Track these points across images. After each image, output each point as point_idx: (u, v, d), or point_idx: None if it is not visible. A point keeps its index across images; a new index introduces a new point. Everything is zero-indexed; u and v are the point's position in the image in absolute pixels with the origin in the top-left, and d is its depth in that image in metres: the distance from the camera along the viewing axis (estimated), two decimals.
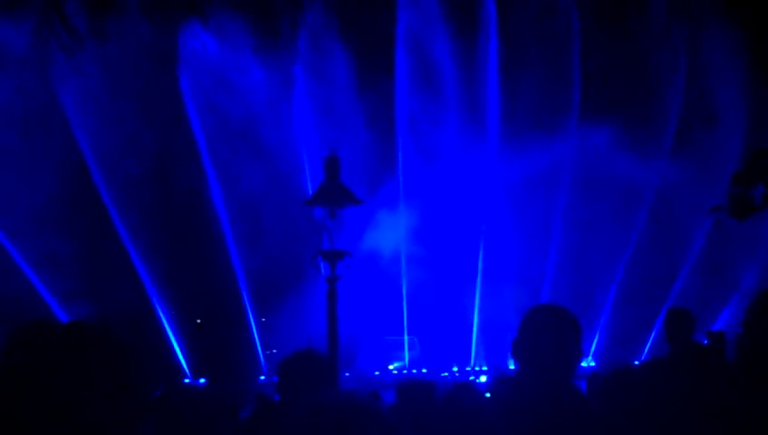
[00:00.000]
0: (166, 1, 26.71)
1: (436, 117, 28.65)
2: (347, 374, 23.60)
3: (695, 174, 26.71)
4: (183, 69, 27.21)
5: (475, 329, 28.36)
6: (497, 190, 28.31)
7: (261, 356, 27.32)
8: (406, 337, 27.74)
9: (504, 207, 27.90)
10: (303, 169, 27.57)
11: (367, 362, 26.46)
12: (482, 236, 28.48)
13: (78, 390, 2.77)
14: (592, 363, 26.04)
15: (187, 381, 25.42)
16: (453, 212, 27.58)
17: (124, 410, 2.85)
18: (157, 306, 26.60)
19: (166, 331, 26.71)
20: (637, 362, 23.48)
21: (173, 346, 26.74)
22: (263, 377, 26.45)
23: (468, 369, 27.37)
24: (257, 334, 27.48)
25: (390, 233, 26.82)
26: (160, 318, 26.64)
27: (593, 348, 27.20)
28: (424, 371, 26.26)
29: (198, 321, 28.20)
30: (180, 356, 26.72)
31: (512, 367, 4.05)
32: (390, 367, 27.28)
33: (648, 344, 26.89)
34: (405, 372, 26.79)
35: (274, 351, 26.77)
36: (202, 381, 24.73)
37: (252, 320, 27.51)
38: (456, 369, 26.94)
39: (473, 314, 28.57)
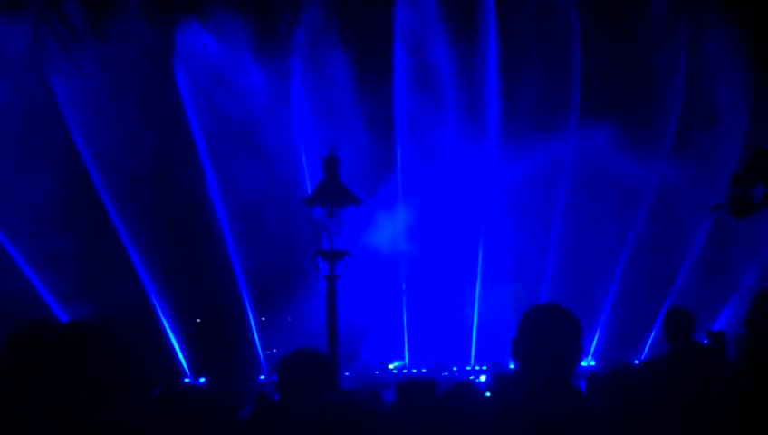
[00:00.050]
0: (165, 0, 26.72)
1: (436, 117, 28.64)
2: (347, 374, 23.60)
3: (695, 173, 26.71)
4: (182, 68, 27.21)
5: (474, 328, 28.36)
6: (497, 190, 28.31)
7: (261, 355, 27.32)
8: (406, 337, 27.75)
9: (503, 207, 27.90)
10: (303, 168, 27.58)
11: (367, 361, 26.47)
12: (481, 236, 28.48)
13: (78, 389, 2.77)
14: (592, 363, 26.06)
15: (186, 380, 25.43)
16: (452, 211, 27.57)
17: (124, 410, 2.85)
18: (156, 306, 26.61)
19: (165, 330, 26.71)
20: (637, 362, 23.49)
21: (173, 346, 26.74)
22: (262, 376, 26.46)
23: (468, 368, 27.37)
24: (257, 334, 27.48)
25: (390, 232, 26.82)
26: (160, 317, 26.64)
27: (593, 347, 27.20)
28: (424, 370, 26.27)
29: (198, 320, 28.20)
30: (180, 355, 26.73)
31: (511, 366, 4.05)
32: (391, 366, 27.29)
33: (648, 344, 26.89)
34: (405, 371, 26.80)
35: (274, 350, 26.78)
36: (202, 380, 24.74)
37: (252, 319, 27.52)
38: (455, 368, 26.94)
39: (472, 313, 28.57)
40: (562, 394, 3.95)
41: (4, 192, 24.17)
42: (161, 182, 25.64)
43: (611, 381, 5.54)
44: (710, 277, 26.78)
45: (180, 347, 26.81)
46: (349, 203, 11.89)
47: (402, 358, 27.65)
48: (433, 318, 26.99)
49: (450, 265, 27.52)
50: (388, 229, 26.64)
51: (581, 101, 28.64)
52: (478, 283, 28.61)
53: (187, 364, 26.64)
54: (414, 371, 26.60)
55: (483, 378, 24.35)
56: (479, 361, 27.81)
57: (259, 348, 27.41)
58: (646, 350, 26.96)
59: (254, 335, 27.46)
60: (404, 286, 27.99)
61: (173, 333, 26.81)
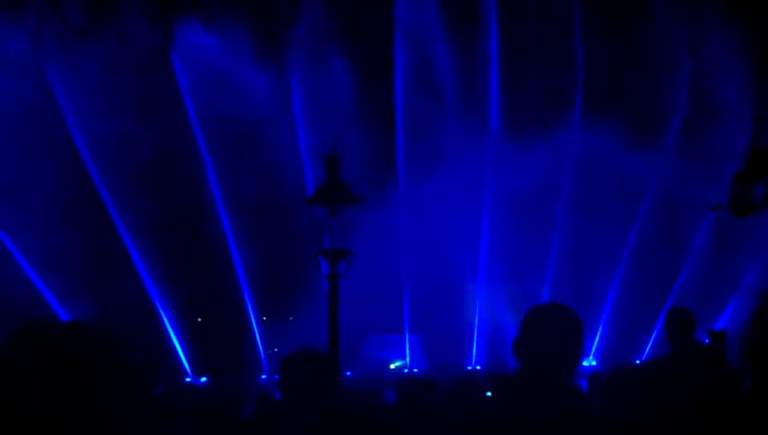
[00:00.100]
0: (165, 0, 26.73)
1: (437, 115, 28.62)
2: (348, 373, 23.61)
3: (697, 173, 26.69)
4: (183, 68, 27.22)
5: (475, 328, 28.36)
6: (498, 189, 28.29)
7: (262, 355, 27.33)
8: (407, 336, 27.75)
9: (504, 206, 27.88)
10: (304, 167, 27.58)
11: (368, 360, 26.46)
12: (483, 235, 28.47)
13: (78, 389, 2.77)
14: (593, 362, 26.04)
15: (188, 379, 25.43)
16: (453, 210, 27.56)
17: (124, 409, 2.85)
18: (158, 305, 26.61)
19: (167, 329, 26.72)
20: (638, 362, 23.49)
21: (174, 345, 26.75)
22: (264, 376, 26.46)
23: (469, 368, 27.37)
24: (258, 333, 27.49)
25: (391, 232, 26.82)
26: (161, 317, 26.65)
27: (594, 347, 27.20)
28: (423, 369, 26.26)
29: (199, 319, 28.21)
30: (181, 355, 26.73)
31: (513, 366, 4.06)
32: (392, 366, 27.28)
33: (650, 344, 26.88)
34: (406, 371, 26.79)
35: (276, 350, 26.78)
36: (203, 379, 24.75)
37: (253, 319, 27.52)
38: (456, 368, 26.92)
39: (474, 312, 28.57)
40: (563, 394, 3.95)
41: (5, 191, 24.18)
42: (162, 181, 25.65)
43: (612, 380, 5.54)
44: (711, 277, 26.76)
45: (181, 346, 26.82)
46: (350, 202, 11.90)
47: (403, 357, 27.64)
48: (434, 318, 26.98)
49: (451, 265, 27.51)
50: (390, 228, 26.64)
51: (584, 100, 28.64)
52: (479, 281, 28.61)
53: (189, 364, 26.65)
54: (415, 370, 26.60)
55: (483, 378, 24.31)
56: (480, 360, 27.81)
57: (260, 347, 27.42)
58: (647, 350, 26.96)
59: (255, 335, 27.47)
60: (405, 286, 27.99)
61: (174, 332, 26.82)
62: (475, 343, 28.21)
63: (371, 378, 23.16)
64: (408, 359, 27.56)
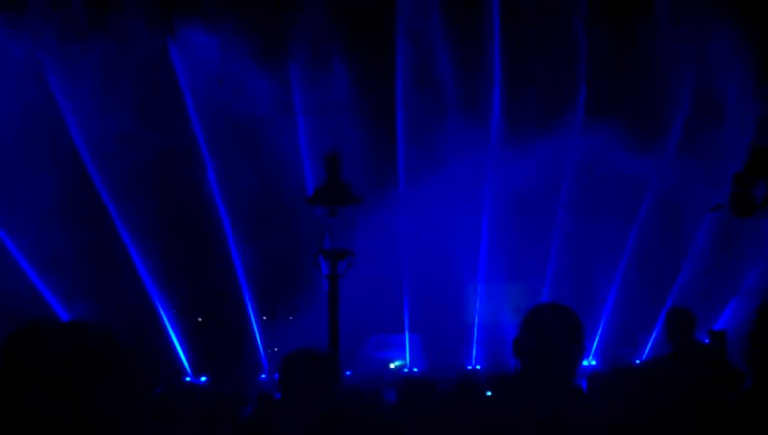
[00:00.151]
0: (166, 0, 26.74)
1: (438, 115, 28.62)
2: (348, 373, 23.60)
3: (699, 172, 26.69)
4: (184, 68, 27.23)
5: (476, 328, 28.36)
6: (499, 188, 28.29)
7: (262, 355, 27.34)
8: (407, 336, 27.76)
9: (505, 206, 27.88)
10: (305, 167, 27.58)
11: (368, 360, 26.47)
12: (483, 235, 28.47)
13: (78, 389, 2.77)
14: (593, 362, 26.04)
15: (188, 379, 25.44)
16: (454, 210, 27.56)
17: (124, 409, 2.85)
18: (158, 305, 26.62)
19: (167, 329, 26.73)
20: (638, 362, 23.50)
21: (174, 344, 26.75)
22: (264, 375, 26.47)
23: (469, 368, 27.37)
24: (258, 333, 27.50)
25: (391, 231, 26.83)
26: (161, 316, 26.66)
27: (594, 347, 27.20)
28: (422, 369, 26.26)
29: (200, 319, 28.22)
30: (181, 354, 26.74)
31: (513, 366, 4.06)
32: (392, 365, 27.29)
33: (650, 344, 26.88)
34: (406, 370, 26.80)
35: (275, 349, 26.78)
36: (203, 379, 24.76)
37: (253, 318, 27.53)
38: (456, 368, 26.92)
39: (474, 312, 28.57)
40: (564, 394, 3.95)
41: (6, 191, 24.19)
42: (162, 181, 25.66)
43: (612, 380, 5.54)
44: (712, 277, 26.76)
45: (181, 346, 26.83)
46: (350, 202, 11.90)
47: (403, 357, 27.65)
48: (434, 317, 26.98)
49: (451, 265, 27.51)
50: (390, 228, 26.64)
51: (586, 99, 28.63)
52: (480, 281, 28.62)
53: (189, 363, 26.65)
54: (415, 370, 26.60)
55: (483, 377, 24.32)
56: (480, 360, 27.81)
57: (260, 347, 27.43)
58: (647, 350, 26.96)
59: (255, 334, 27.47)
60: (405, 286, 27.99)
61: (174, 331, 26.83)
62: (475, 343, 28.22)
63: (371, 378, 23.16)
64: (408, 359, 27.57)
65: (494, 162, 28.65)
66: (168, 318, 26.73)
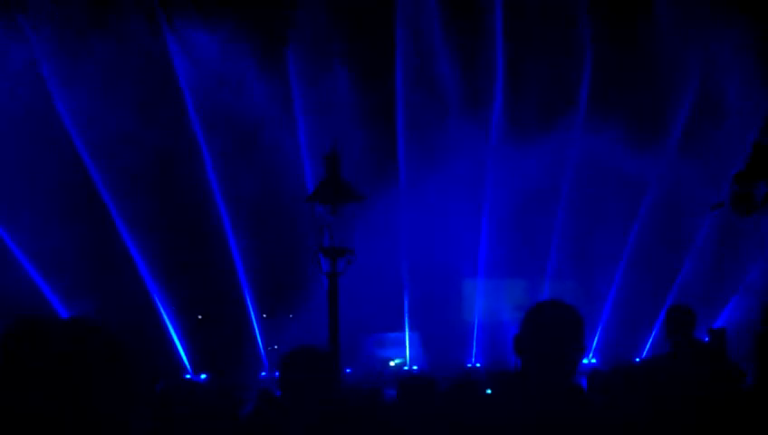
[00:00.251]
0: (166, 1, 26.75)
1: (438, 114, 28.61)
2: (348, 371, 23.61)
3: (700, 171, 26.71)
4: (183, 67, 27.23)
5: (475, 326, 28.38)
6: (499, 186, 28.30)
7: (262, 352, 27.35)
8: (407, 334, 27.77)
9: (505, 204, 27.88)
10: (305, 167, 27.59)
11: (368, 358, 26.49)
12: (483, 233, 28.48)
13: (77, 386, 2.77)
14: (593, 360, 26.06)
15: (188, 376, 25.45)
16: (454, 208, 27.57)
17: (124, 409, 2.85)
18: (158, 302, 26.64)
19: (167, 326, 26.74)
20: (638, 360, 23.51)
21: (174, 342, 26.77)
22: (264, 373, 26.49)
23: (469, 366, 27.39)
24: (259, 330, 27.52)
25: (391, 229, 26.83)
26: (162, 314, 26.68)
27: (594, 345, 27.21)
28: (423, 367, 26.28)
29: (200, 317, 28.24)
30: (182, 352, 26.76)
31: (513, 363, 4.06)
32: (391, 363, 27.31)
33: (650, 342, 26.91)
34: (405, 368, 26.83)
35: (275, 347, 26.81)
36: (203, 376, 24.78)
37: (253, 316, 27.55)
38: (456, 365, 26.95)
39: (474, 310, 28.58)
40: (564, 392, 3.95)
41: (6, 191, 24.20)
42: (163, 179, 25.68)
43: (612, 378, 5.55)
44: (712, 275, 26.78)
45: (182, 343, 26.85)
46: (350, 200, 11.90)
47: (403, 355, 27.67)
48: (434, 315, 27.00)
49: (451, 263, 27.52)
50: (390, 226, 26.65)
51: (588, 98, 28.63)
52: (479, 280, 28.63)
53: (189, 361, 26.67)
54: (415, 368, 26.62)
55: (483, 375, 24.35)
56: (480, 358, 27.83)
57: (260, 345, 27.44)
58: (647, 348, 26.98)
59: (255, 332, 27.49)
60: (405, 284, 28.00)
61: (174, 329, 26.84)
62: (474, 341, 28.23)
63: (371, 376, 23.19)
64: (407, 356, 27.58)
65: (494, 161, 28.65)
66: (168, 316, 26.75)
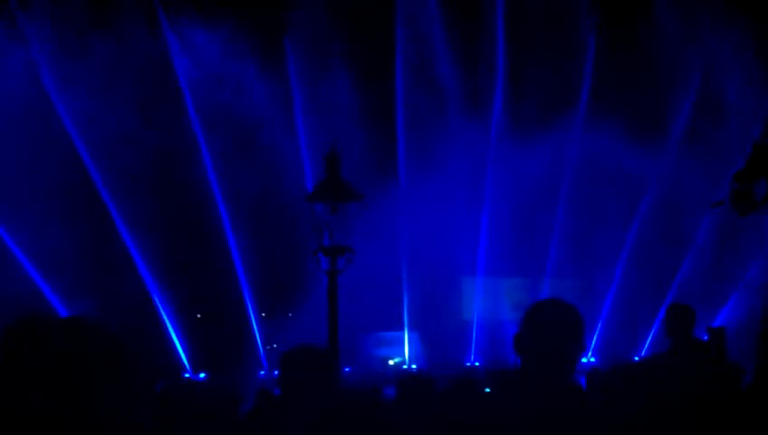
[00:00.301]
0: (166, 1, 26.76)
1: (438, 113, 28.61)
2: (347, 369, 23.63)
3: (699, 170, 26.71)
4: (183, 66, 27.24)
5: (474, 324, 28.38)
6: (499, 185, 28.30)
7: (261, 351, 27.36)
8: (406, 332, 27.78)
9: (505, 202, 27.89)
10: (305, 166, 27.60)
11: (367, 357, 26.50)
12: (482, 232, 28.48)
13: (77, 385, 2.77)
14: (592, 359, 26.07)
15: (187, 375, 25.46)
16: (454, 207, 27.57)
17: (123, 406, 2.85)
18: (157, 301, 26.64)
19: (166, 325, 26.75)
20: (637, 358, 23.52)
21: (173, 341, 26.78)
22: (263, 372, 26.51)
23: (468, 364, 27.40)
24: (258, 329, 27.52)
25: (390, 229, 26.84)
26: (161, 313, 26.68)
27: (593, 343, 27.23)
28: (422, 366, 26.29)
29: (199, 316, 28.25)
30: (181, 351, 26.77)
31: (512, 362, 4.06)
32: (390, 362, 27.33)
33: (649, 340, 26.91)
34: (405, 367, 26.84)
35: (275, 346, 26.82)
36: (202, 375, 24.78)
37: (252, 315, 27.56)
38: (455, 364, 26.95)
39: (473, 309, 28.59)
40: (563, 390, 3.95)
41: (6, 191, 24.21)
42: (163, 179, 25.68)
43: (611, 377, 5.55)
44: (712, 274, 26.79)
45: (181, 342, 26.85)
46: (350, 199, 11.92)
47: (402, 354, 27.68)
48: (433, 314, 27.01)
49: (451, 262, 27.52)
50: (390, 226, 26.66)
51: (587, 97, 28.63)
52: (479, 279, 28.63)
53: (188, 360, 26.68)
54: (414, 367, 26.63)
55: (482, 374, 24.35)
56: (479, 357, 27.84)
57: (260, 344, 27.45)
58: (646, 346, 26.98)
59: (254, 331, 27.50)
60: (404, 283, 28.01)
61: (174, 328, 26.85)
62: (474, 340, 28.24)
63: (370, 374, 23.20)
64: (407, 355, 27.59)
65: (494, 159, 28.66)
66: (168, 315, 26.76)
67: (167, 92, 26.68)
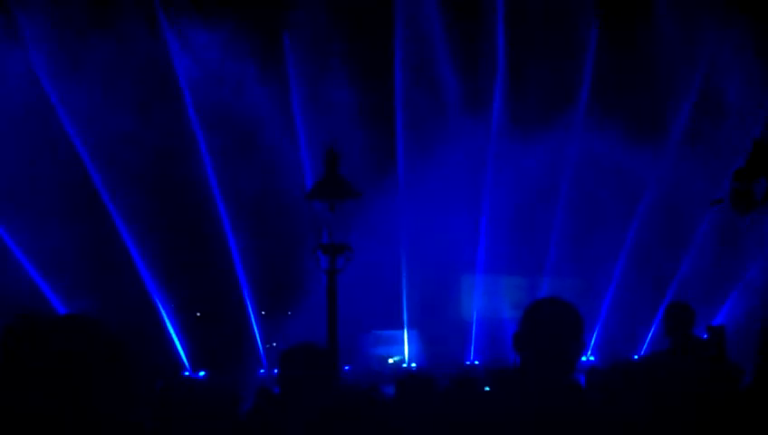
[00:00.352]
0: (166, 1, 26.77)
1: (438, 112, 28.61)
2: (347, 368, 23.64)
3: (700, 168, 26.72)
4: (183, 66, 27.25)
5: (474, 323, 28.39)
6: (499, 183, 28.31)
7: (261, 349, 27.38)
8: (405, 331, 27.79)
9: (504, 201, 27.90)
10: (305, 166, 27.61)
11: (367, 355, 26.51)
12: (481, 231, 28.49)
13: (76, 384, 2.77)
14: (591, 358, 26.08)
15: (186, 373, 25.48)
16: (453, 206, 27.58)
17: (123, 405, 2.85)
18: (157, 300, 26.66)
19: (166, 324, 26.77)
20: (636, 357, 23.52)
21: (173, 339, 26.80)
22: (262, 370, 26.53)
23: (467, 363, 27.40)
24: (257, 328, 27.54)
25: (390, 226, 26.86)
26: (160, 311, 26.70)
27: (593, 342, 27.24)
28: (421, 364, 26.31)
29: (198, 314, 28.26)
30: (180, 349, 26.78)
31: (512, 361, 4.07)
32: (390, 361, 27.34)
33: (648, 339, 26.92)
34: (404, 365, 26.84)
35: (274, 344, 26.83)
36: (202, 374, 24.79)
37: (252, 313, 27.57)
38: (454, 363, 26.96)
39: (472, 308, 28.60)
40: (562, 389, 3.96)
41: (6, 191, 24.22)
42: (163, 179, 25.70)
43: (611, 375, 5.56)
44: (711, 273, 26.80)
45: (180, 341, 26.87)
46: (349, 197, 11.92)
47: (401, 352, 27.69)
48: (433, 313, 27.02)
49: (450, 261, 27.53)
50: (389, 224, 26.67)
51: (587, 96, 28.64)
52: (478, 278, 28.64)
53: (187, 358, 26.69)
54: (413, 365, 26.64)
55: (482, 373, 24.36)
56: (478, 356, 27.85)
57: (259, 342, 27.47)
58: (646, 345, 26.99)
59: (254, 330, 27.51)
60: (403, 281, 28.02)
61: (173, 326, 26.86)
62: (473, 339, 28.25)
63: (370, 373, 23.21)
64: (406, 354, 27.60)
65: (494, 159, 28.66)
66: (168, 314, 26.77)
67: (166, 92, 26.70)
